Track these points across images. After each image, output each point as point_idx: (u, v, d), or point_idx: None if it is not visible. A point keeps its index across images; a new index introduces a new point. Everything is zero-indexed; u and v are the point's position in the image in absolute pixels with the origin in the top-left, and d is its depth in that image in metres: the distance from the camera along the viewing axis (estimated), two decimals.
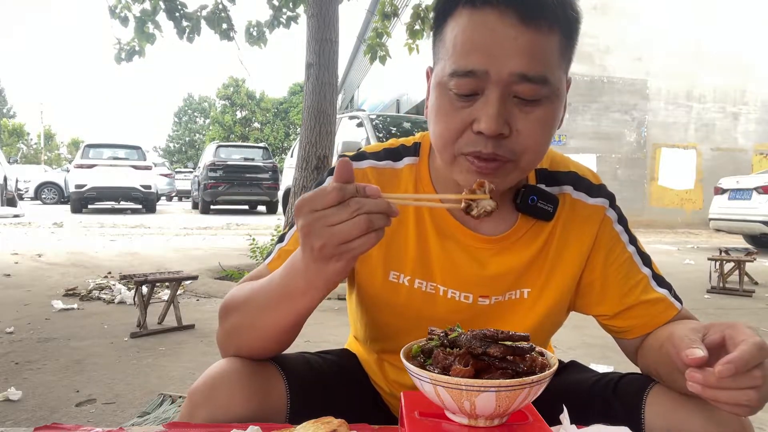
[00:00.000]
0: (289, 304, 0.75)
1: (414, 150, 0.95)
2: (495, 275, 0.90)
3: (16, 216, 12.06)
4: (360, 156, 0.95)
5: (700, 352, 0.61)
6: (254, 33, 5.94)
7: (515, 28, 0.72)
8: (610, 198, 0.95)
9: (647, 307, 0.89)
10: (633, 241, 0.94)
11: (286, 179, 9.83)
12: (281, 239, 0.95)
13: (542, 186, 0.91)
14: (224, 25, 5.68)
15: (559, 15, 0.75)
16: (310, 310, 0.76)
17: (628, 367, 0.97)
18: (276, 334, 0.81)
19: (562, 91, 0.80)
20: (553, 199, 0.90)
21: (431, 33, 0.85)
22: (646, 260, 0.93)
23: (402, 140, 0.99)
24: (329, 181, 0.88)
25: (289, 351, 0.94)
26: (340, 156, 0.98)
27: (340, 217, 0.63)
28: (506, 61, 0.72)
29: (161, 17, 5.51)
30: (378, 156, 0.95)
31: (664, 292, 0.91)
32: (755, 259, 4.87)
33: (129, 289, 3.99)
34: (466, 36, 0.74)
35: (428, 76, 0.86)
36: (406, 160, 0.95)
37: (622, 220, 0.95)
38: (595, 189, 0.94)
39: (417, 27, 5.83)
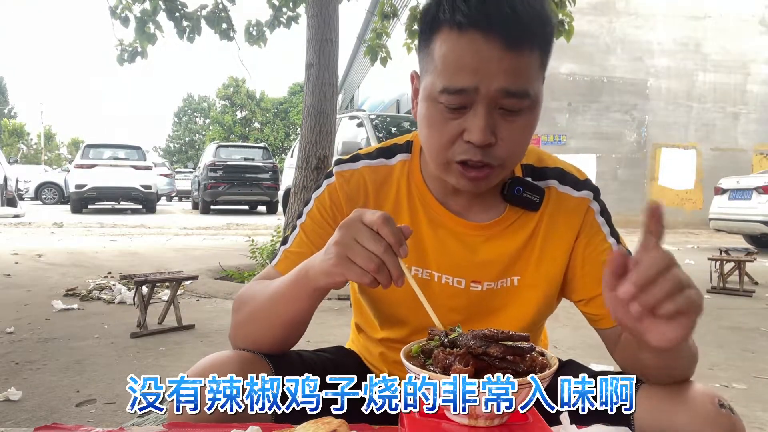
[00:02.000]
0: (299, 301, 0.82)
1: (406, 147, 1.01)
2: (485, 261, 0.95)
3: (16, 216, 12.06)
4: (355, 158, 1.02)
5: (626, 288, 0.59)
6: (254, 32, 5.94)
7: (500, 51, 0.77)
8: (595, 191, 0.99)
9: None
10: (614, 234, 0.98)
11: (286, 179, 9.84)
12: (285, 241, 0.99)
13: (528, 179, 0.97)
14: (224, 25, 5.68)
15: (538, 34, 0.81)
16: (313, 303, 0.82)
17: None
18: (283, 327, 0.86)
19: (540, 98, 0.85)
20: (539, 190, 0.96)
21: (417, 40, 0.90)
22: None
23: (395, 139, 1.04)
24: (326, 185, 0.99)
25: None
26: (336, 161, 1.03)
27: (368, 245, 0.71)
28: (492, 79, 0.78)
29: (161, 17, 5.51)
30: (371, 156, 1.01)
31: None
32: (755, 259, 4.87)
33: (129, 289, 3.99)
34: (455, 56, 0.79)
35: (413, 80, 0.93)
36: (399, 157, 1.00)
37: (604, 213, 0.99)
38: (581, 183, 0.99)
39: (415, 27, 5.82)
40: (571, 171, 1.00)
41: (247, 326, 0.89)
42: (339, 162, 1.02)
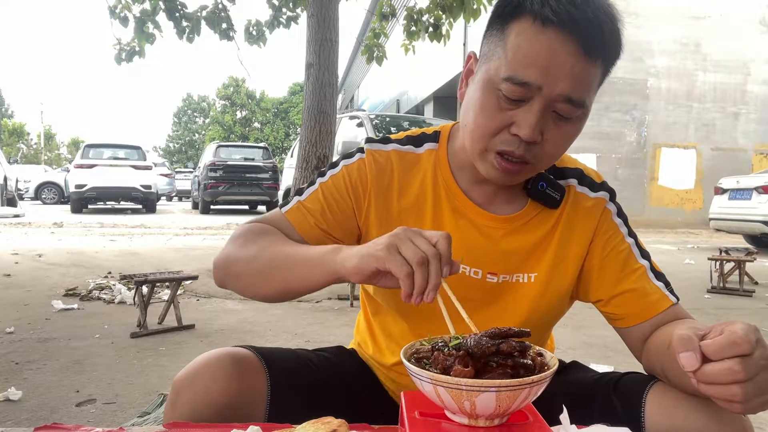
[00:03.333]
0: (314, 270, 0.81)
1: (434, 137, 1.02)
2: (504, 252, 0.96)
3: (16, 216, 12.06)
4: (385, 140, 1.03)
5: (692, 360, 0.61)
6: (254, 32, 5.94)
7: (575, 56, 0.78)
8: (611, 192, 1.01)
9: (641, 295, 0.92)
10: (632, 234, 0.99)
11: (286, 179, 9.85)
12: (300, 192, 0.99)
13: (551, 177, 0.98)
14: (224, 25, 5.68)
15: (611, 51, 0.83)
16: (326, 281, 0.81)
17: (629, 366, 0.97)
18: (284, 290, 0.86)
19: (589, 111, 0.87)
20: (560, 188, 0.97)
21: (488, 23, 0.88)
22: (645, 254, 0.97)
23: (423, 129, 1.05)
24: (358, 158, 1.01)
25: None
26: (368, 139, 1.03)
27: (420, 245, 0.71)
28: (559, 82, 0.79)
29: (161, 17, 5.51)
30: (401, 141, 1.02)
31: (660, 284, 0.94)
32: (755, 259, 4.87)
33: (129, 289, 3.99)
34: (530, 49, 0.79)
35: (469, 60, 0.92)
36: (427, 146, 1.02)
37: (621, 214, 1.00)
38: (597, 185, 1.00)
39: (413, 28, 5.84)
40: (589, 173, 1.02)
41: (243, 274, 0.89)
42: (371, 140, 1.03)
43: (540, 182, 0.95)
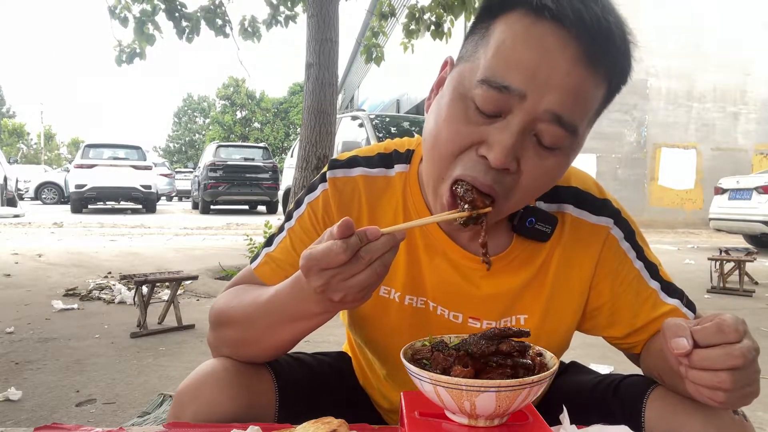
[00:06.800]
0: (300, 324, 0.74)
1: (406, 157, 0.90)
2: (487, 297, 0.84)
3: (16, 216, 12.06)
4: (352, 162, 0.90)
5: (683, 342, 0.59)
6: (249, 28, 5.95)
7: (572, 60, 0.64)
8: (615, 216, 0.87)
9: (658, 323, 0.84)
10: (640, 254, 0.88)
11: (286, 179, 9.85)
12: (269, 242, 0.91)
13: (541, 203, 0.86)
14: (219, 22, 5.69)
15: (618, 66, 0.68)
16: (321, 324, 0.75)
17: (629, 367, 0.97)
18: (281, 348, 0.81)
19: (580, 146, 0.73)
20: (552, 219, 0.84)
21: (472, 22, 0.73)
22: (654, 272, 0.87)
23: (397, 143, 0.93)
24: (321, 191, 0.88)
25: None
26: (331, 163, 0.93)
27: (357, 269, 0.61)
28: (547, 91, 0.64)
29: (161, 18, 5.52)
30: (371, 162, 0.90)
31: (675, 302, 0.85)
32: (755, 259, 4.87)
33: (129, 289, 3.99)
34: (516, 45, 0.64)
35: (445, 66, 0.78)
36: (398, 168, 0.89)
37: (629, 237, 0.88)
38: (599, 206, 0.87)
39: (413, 27, 5.85)
40: (588, 188, 0.88)
41: (237, 347, 0.83)
42: (334, 165, 0.90)
43: (529, 218, 0.82)
